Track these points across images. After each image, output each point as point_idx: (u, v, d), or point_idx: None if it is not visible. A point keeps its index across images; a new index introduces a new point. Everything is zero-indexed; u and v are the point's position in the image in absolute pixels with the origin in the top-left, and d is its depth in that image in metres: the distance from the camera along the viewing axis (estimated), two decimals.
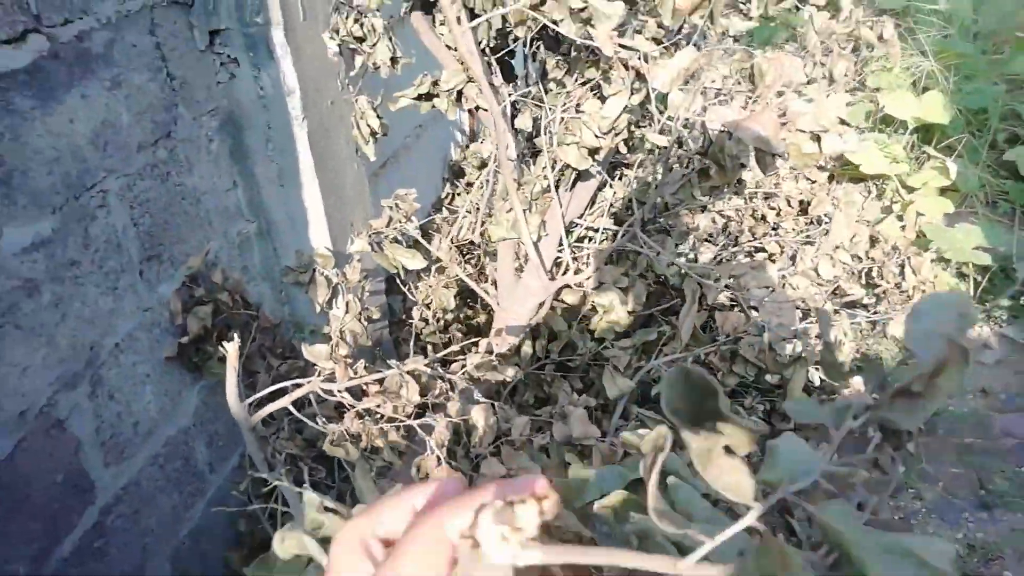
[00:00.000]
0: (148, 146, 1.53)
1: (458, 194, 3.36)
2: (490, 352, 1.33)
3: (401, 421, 0.98)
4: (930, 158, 3.70)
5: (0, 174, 1.19)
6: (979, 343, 3.04)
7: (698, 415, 0.33)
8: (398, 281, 2.52)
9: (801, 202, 2.86)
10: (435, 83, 1.83)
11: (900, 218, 3.43)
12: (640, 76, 1.28)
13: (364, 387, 1.14)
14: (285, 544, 0.53)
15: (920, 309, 0.31)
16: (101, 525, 1.47)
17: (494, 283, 2.52)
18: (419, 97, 1.87)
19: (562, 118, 1.45)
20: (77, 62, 1.32)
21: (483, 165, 3.32)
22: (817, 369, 2.39)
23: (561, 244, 1.52)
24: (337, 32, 1.74)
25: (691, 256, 2.35)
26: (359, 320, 1.91)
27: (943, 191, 3.51)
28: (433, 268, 2.48)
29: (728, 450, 0.33)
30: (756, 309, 1.59)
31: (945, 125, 3.88)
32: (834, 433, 0.32)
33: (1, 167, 1.19)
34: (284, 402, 1.16)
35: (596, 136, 1.29)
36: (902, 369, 2.93)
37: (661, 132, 1.22)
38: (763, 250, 2.63)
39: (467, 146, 3.66)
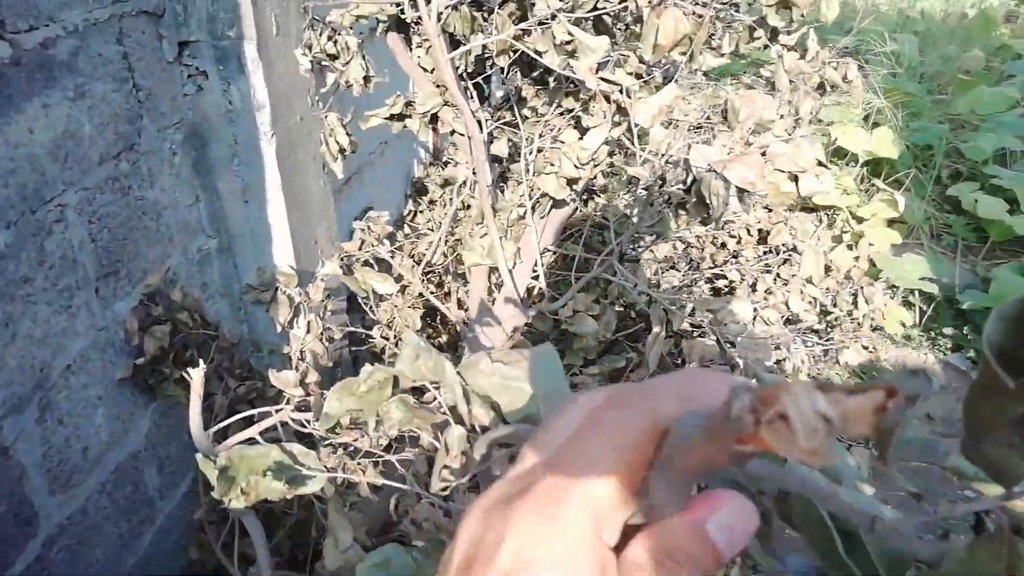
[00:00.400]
0: (110, 159, 1.47)
1: (420, 211, 3.33)
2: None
3: (379, 457, 0.95)
4: (879, 191, 3.83)
5: None
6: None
7: None
8: (359, 300, 2.48)
9: (760, 231, 2.92)
10: (408, 104, 1.81)
11: (850, 247, 3.54)
12: (621, 109, 1.29)
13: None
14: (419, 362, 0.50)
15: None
16: (44, 558, 1.38)
17: (458, 303, 2.49)
18: (391, 117, 1.85)
19: (539, 148, 1.45)
20: (40, 70, 1.26)
21: (446, 184, 3.30)
22: None
23: (535, 270, 1.51)
24: (310, 48, 1.71)
25: (654, 282, 2.37)
26: (320, 340, 1.86)
27: (891, 223, 3.63)
28: (396, 288, 2.45)
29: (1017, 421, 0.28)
30: (733, 344, 1.61)
31: (894, 160, 4.03)
32: None
33: None
34: (251, 432, 1.11)
35: (575, 167, 1.29)
36: None
37: (642, 165, 1.22)
38: (724, 276, 2.67)
39: (431, 163, 3.64)
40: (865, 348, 3.07)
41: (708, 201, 1.04)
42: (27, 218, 1.27)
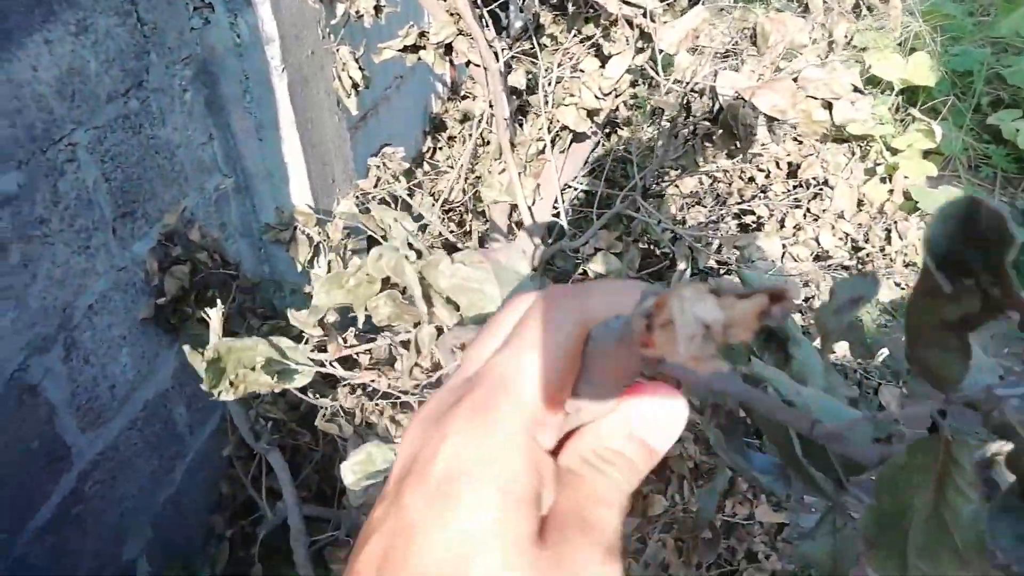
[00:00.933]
0: (118, 96, 1.44)
1: (439, 148, 3.28)
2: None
3: (396, 397, 0.94)
4: (915, 120, 3.68)
5: None
6: None
7: None
8: (380, 239, 2.46)
9: (790, 164, 2.83)
10: (422, 34, 1.74)
11: (884, 180, 3.43)
12: (644, 35, 1.22)
13: (355, 356, 1.10)
14: (382, 261, 0.50)
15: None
16: (79, 492, 1.42)
17: (480, 241, 2.46)
18: (405, 49, 1.79)
19: (559, 78, 1.39)
20: (39, 4, 1.22)
21: (465, 119, 3.23)
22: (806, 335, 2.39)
23: (556, 207, 1.47)
24: None
25: (680, 218, 2.31)
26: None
27: (927, 154, 3.50)
28: (418, 226, 2.42)
29: (959, 332, 0.27)
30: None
31: (931, 87, 3.86)
32: None
33: None
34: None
35: (596, 97, 1.23)
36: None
37: (667, 95, 1.16)
38: (752, 212, 2.60)
39: (449, 98, 3.55)
40: (898, 285, 3.00)
41: (735, 131, 0.98)
42: (38, 158, 1.25)
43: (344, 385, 1.02)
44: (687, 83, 1.10)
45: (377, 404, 0.97)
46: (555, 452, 0.32)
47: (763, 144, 2.92)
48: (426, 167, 3.02)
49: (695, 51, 1.11)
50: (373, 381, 0.93)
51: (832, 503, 0.41)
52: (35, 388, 1.30)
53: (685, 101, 1.13)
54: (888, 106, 3.78)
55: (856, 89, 1.09)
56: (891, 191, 2.86)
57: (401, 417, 0.95)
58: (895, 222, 2.68)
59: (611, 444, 0.32)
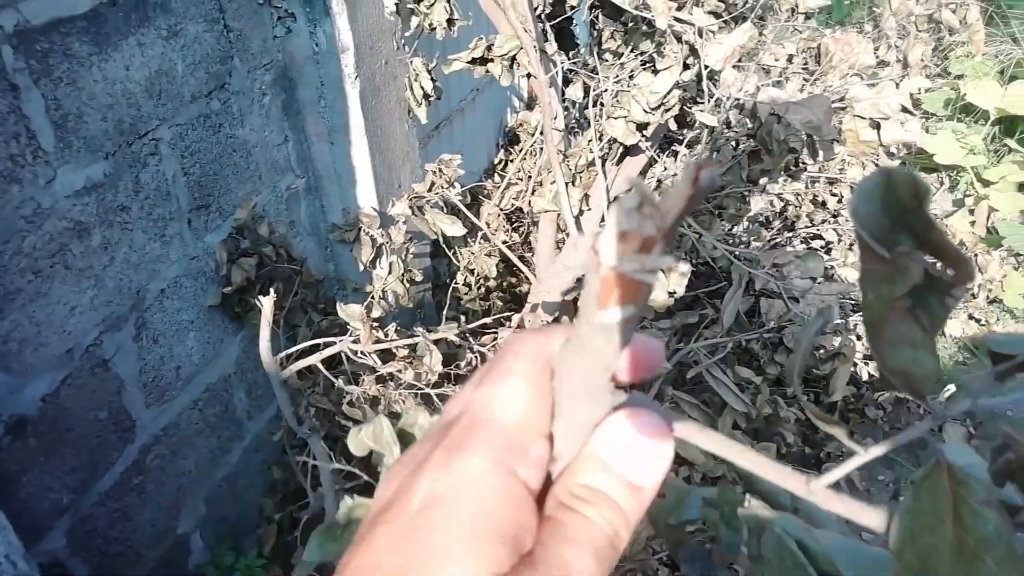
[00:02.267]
0: (201, 97, 1.55)
1: (511, 161, 3.33)
2: (522, 327, 1.32)
3: (420, 389, 0.98)
4: (1010, 151, 3.50)
5: (56, 117, 1.23)
6: None
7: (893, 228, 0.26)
8: (443, 245, 2.53)
9: None
10: (489, 48, 1.80)
11: (972, 212, 3.27)
12: (694, 51, 1.23)
13: (394, 350, 1.15)
14: (360, 437, 0.53)
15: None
16: (140, 463, 1.53)
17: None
18: (473, 61, 1.85)
19: (613, 91, 1.41)
20: (136, 10, 1.34)
21: (536, 131, 3.28)
22: (866, 364, 2.31)
23: (603, 220, 1.48)
24: None
25: (744, 239, 2.28)
26: (402, 282, 1.92)
27: (1022, 187, 3.32)
28: (479, 234, 2.48)
29: (913, 309, 0.26)
30: (797, 300, 1.54)
31: None
32: None
33: (58, 111, 1.22)
34: (314, 359, 1.17)
35: (645, 111, 1.25)
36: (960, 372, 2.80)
37: (713, 111, 1.17)
38: (820, 237, 2.54)
39: (520, 117, 3.61)
40: (976, 320, 2.85)
41: (770, 147, 0.98)
42: (124, 150, 1.37)
43: (373, 374, 1.06)
44: (729, 98, 1.10)
45: (400, 394, 1.02)
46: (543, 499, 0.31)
47: (840, 169, 2.85)
48: (496, 179, 3.08)
49: (739, 68, 1.11)
50: (400, 372, 0.97)
51: None
52: (107, 362, 1.41)
53: (727, 117, 1.13)
54: (982, 136, 3.61)
55: (905, 109, 1.07)
56: (973, 223, 2.73)
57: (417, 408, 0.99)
58: (975, 255, 2.55)
59: (584, 480, 0.30)
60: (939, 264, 0.25)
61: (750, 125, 1.05)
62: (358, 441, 0.57)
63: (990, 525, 0.25)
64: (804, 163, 2.67)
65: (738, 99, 1.07)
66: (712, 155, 1.21)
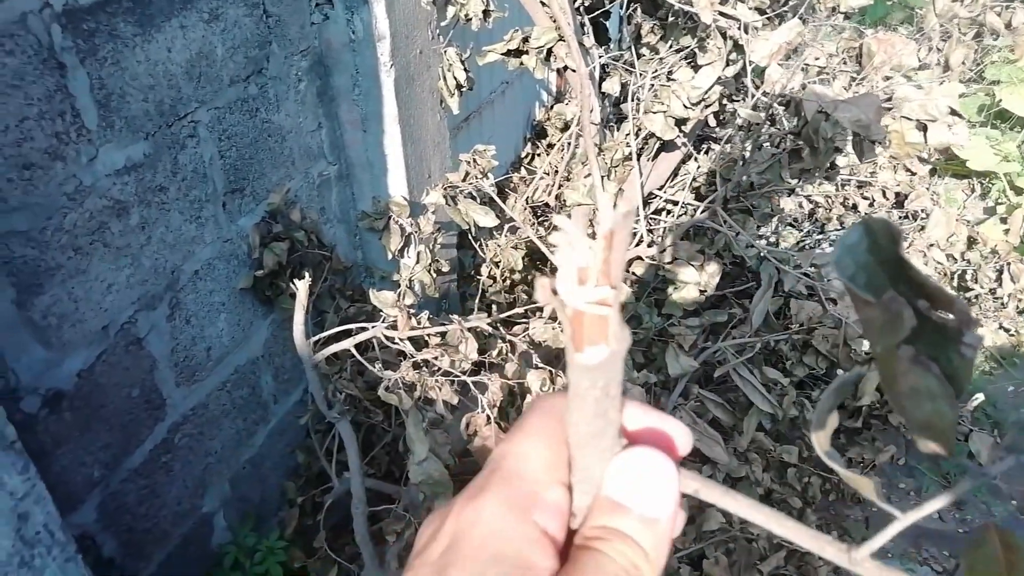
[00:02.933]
0: (240, 81, 1.56)
1: (538, 155, 3.33)
2: (553, 319, 1.32)
3: (456, 376, 0.98)
4: None
5: (100, 97, 1.24)
6: None
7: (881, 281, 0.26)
8: (470, 237, 2.53)
9: (897, 194, 2.71)
10: (525, 40, 1.80)
11: (1004, 220, 3.22)
12: (738, 47, 1.22)
13: (426, 338, 1.15)
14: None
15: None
16: (169, 441, 1.54)
17: None
18: (508, 53, 1.85)
19: (651, 85, 1.40)
20: None
21: (566, 127, 3.27)
22: None
23: (637, 214, 1.48)
24: None
25: (773, 240, 2.26)
26: (428, 271, 1.93)
27: None
28: (506, 227, 2.48)
29: (920, 358, 0.25)
30: (835, 302, 1.52)
31: None
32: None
33: (102, 90, 1.24)
34: (347, 344, 1.18)
35: (685, 106, 1.24)
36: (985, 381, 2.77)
37: (754, 108, 1.16)
38: None
39: (552, 107, 3.60)
40: (1006, 331, 2.81)
41: (816, 144, 0.97)
42: (163, 131, 1.38)
43: (409, 359, 1.07)
44: (774, 95, 1.09)
45: (437, 380, 1.02)
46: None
47: (872, 173, 2.82)
48: (523, 172, 3.08)
49: (784, 65, 1.10)
50: (436, 358, 0.98)
51: None
52: (141, 340, 1.43)
53: (771, 114, 1.12)
54: (1017, 143, 3.56)
55: (954, 112, 1.06)
56: (1007, 231, 2.69)
57: (455, 399, 0.99)
58: (1008, 263, 2.52)
59: (599, 521, 0.31)
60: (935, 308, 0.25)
61: (795, 123, 1.04)
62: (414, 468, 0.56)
63: None
64: (836, 165, 2.65)
65: (784, 96, 1.06)
66: (751, 152, 1.20)
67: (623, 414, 0.32)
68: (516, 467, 0.33)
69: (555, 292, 0.27)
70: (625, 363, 0.30)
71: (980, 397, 2.38)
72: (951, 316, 0.24)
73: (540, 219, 2.82)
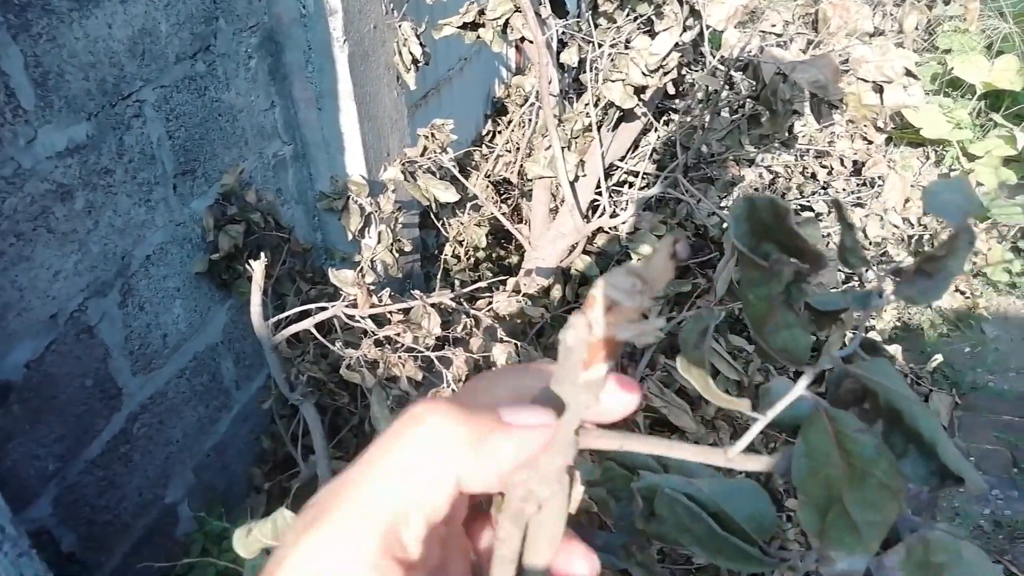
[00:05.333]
0: (186, 58, 1.51)
1: (499, 132, 3.30)
2: (518, 291, 1.31)
3: (420, 352, 0.96)
4: (996, 125, 3.52)
5: (37, 75, 1.18)
6: None
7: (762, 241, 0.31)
8: (432, 216, 2.50)
9: (855, 162, 2.75)
10: (481, 12, 1.76)
11: None
12: (695, 13, 1.21)
13: (388, 316, 1.13)
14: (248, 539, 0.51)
15: (935, 188, 0.32)
16: (127, 431, 1.50)
17: (528, 224, 2.48)
18: (464, 26, 1.81)
19: (609, 54, 1.39)
20: None
21: (526, 101, 3.25)
22: (854, 334, 2.32)
23: (599, 186, 1.47)
24: None
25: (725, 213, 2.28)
26: (390, 251, 1.90)
27: (1007, 161, 3.35)
28: (468, 205, 2.45)
29: (788, 302, 0.31)
30: None
31: (1017, 92, 3.68)
32: (861, 314, 0.34)
33: (38, 68, 1.18)
34: (307, 324, 1.15)
35: (643, 74, 1.23)
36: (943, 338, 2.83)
37: (712, 74, 1.15)
38: (810, 209, 2.54)
39: (511, 84, 3.57)
40: (961, 293, 2.88)
41: (774, 107, 0.97)
42: (107, 111, 1.33)
43: (371, 336, 1.05)
44: (732, 60, 1.08)
45: (400, 357, 1.00)
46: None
47: (830, 142, 2.85)
48: (484, 150, 3.05)
49: (743, 29, 1.09)
50: (399, 335, 0.96)
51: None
52: (92, 329, 1.38)
53: (729, 79, 1.12)
54: (968, 110, 3.63)
55: (909, 73, 1.06)
56: None
57: (419, 375, 0.98)
58: None
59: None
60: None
61: (753, 86, 1.03)
62: (247, 543, 0.54)
63: (869, 446, 0.30)
64: (795, 135, 2.67)
65: (741, 59, 1.05)
66: (711, 119, 1.19)
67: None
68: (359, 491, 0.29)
69: (589, 325, 0.28)
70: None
71: (938, 358, 2.44)
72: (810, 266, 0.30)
73: (503, 196, 2.80)
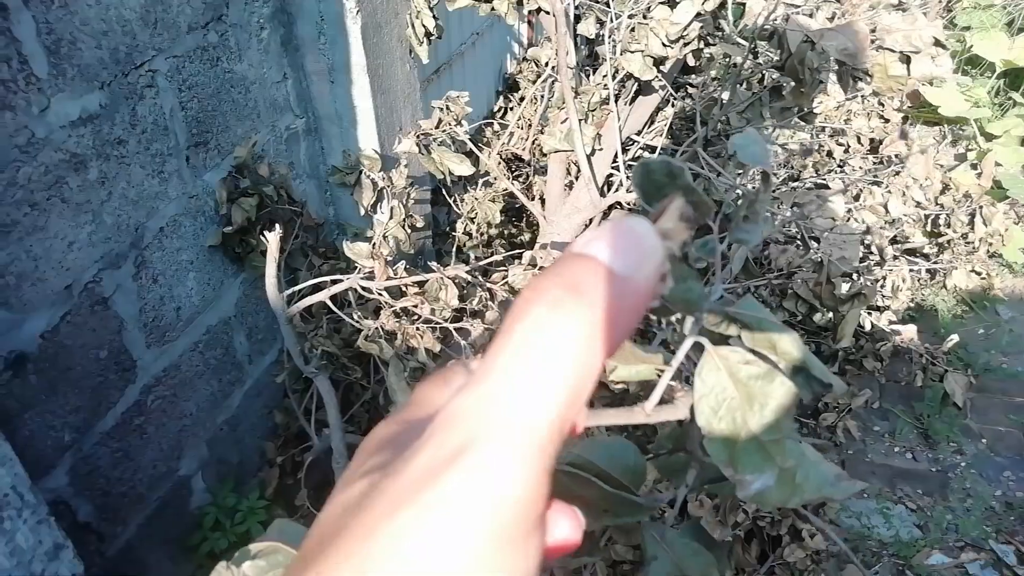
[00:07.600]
0: (198, 28, 1.49)
1: (511, 108, 3.27)
2: (533, 265, 1.30)
3: (438, 323, 0.95)
4: (1016, 105, 3.46)
5: (49, 42, 1.17)
6: None
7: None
8: (444, 192, 2.48)
9: (871, 140, 2.71)
10: None
11: (974, 166, 3.25)
12: None
13: (403, 288, 1.12)
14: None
15: (740, 141, 0.37)
16: (141, 404, 1.51)
17: (541, 200, 2.46)
18: None
19: (628, 25, 1.36)
20: None
21: (539, 77, 3.21)
22: (869, 314, 2.30)
23: (615, 160, 1.45)
24: None
25: (749, 187, 2.25)
26: (403, 226, 1.88)
27: None
28: (480, 181, 2.43)
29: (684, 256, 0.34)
30: (817, 240, 1.51)
31: None
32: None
33: (50, 35, 1.17)
34: (322, 296, 1.14)
35: (664, 44, 1.20)
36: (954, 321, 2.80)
37: (735, 44, 1.13)
38: (826, 187, 2.51)
39: (523, 59, 3.53)
40: (977, 273, 2.85)
41: (801, 76, 0.95)
42: (120, 80, 1.31)
43: (389, 308, 1.04)
44: (756, 29, 1.06)
45: (418, 328, 1.00)
46: None
47: (846, 120, 2.81)
48: (496, 127, 3.02)
49: None
50: (417, 306, 0.95)
51: None
52: (106, 300, 1.38)
53: (754, 47, 1.09)
54: (988, 89, 3.57)
55: (938, 43, 1.04)
56: (979, 175, 2.70)
57: (437, 347, 0.97)
58: (980, 207, 2.54)
59: None
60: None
61: (777, 56, 1.01)
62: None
63: (758, 373, 0.33)
64: (812, 113, 2.63)
65: (766, 27, 1.03)
66: (731, 92, 1.17)
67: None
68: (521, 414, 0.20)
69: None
70: None
71: (954, 339, 2.41)
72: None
73: (515, 173, 2.78)
